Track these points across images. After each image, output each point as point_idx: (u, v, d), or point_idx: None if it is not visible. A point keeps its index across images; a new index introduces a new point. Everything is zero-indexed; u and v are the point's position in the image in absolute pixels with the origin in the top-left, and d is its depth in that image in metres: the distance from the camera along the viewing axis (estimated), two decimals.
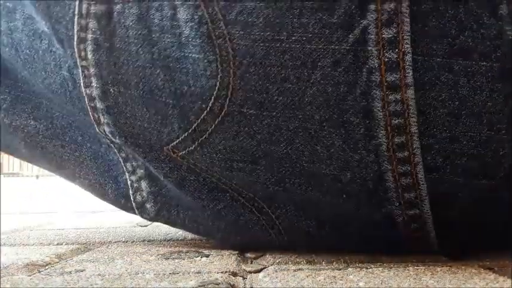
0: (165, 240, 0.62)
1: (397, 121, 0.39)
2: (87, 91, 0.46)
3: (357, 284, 0.34)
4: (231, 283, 0.36)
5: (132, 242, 0.61)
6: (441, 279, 0.35)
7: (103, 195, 0.57)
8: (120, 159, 0.52)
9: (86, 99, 0.47)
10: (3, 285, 0.36)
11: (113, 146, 0.51)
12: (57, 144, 0.55)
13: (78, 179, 0.58)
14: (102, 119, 0.47)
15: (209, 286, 0.34)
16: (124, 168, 0.52)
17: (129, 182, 0.53)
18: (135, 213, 0.54)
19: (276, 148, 0.42)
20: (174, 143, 0.45)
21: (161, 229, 0.74)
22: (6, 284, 0.36)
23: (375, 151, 0.40)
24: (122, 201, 0.55)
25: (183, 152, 0.45)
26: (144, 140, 0.46)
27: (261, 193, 0.46)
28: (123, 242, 0.61)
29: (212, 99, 0.41)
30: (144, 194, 0.52)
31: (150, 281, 0.36)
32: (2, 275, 0.40)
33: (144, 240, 0.62)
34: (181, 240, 0.61)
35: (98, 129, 0.48)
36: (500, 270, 0.38)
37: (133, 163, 0.51)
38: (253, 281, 0.37)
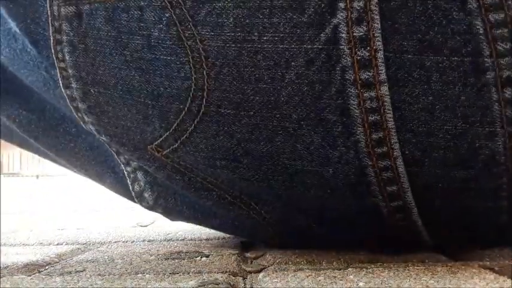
0: (165, 240, 0.62)
1: (373, 118, 0.39)
2: (68, 92, 0.46)
3: (357, 284, 0.34)
4: (231, 283, 0.36)
5: (132, 242, 0.61)
6: (441, 279, 0.35)
7: (102, 183, 0.57)
8: (113, 152, 0.52)
9: (68, 100, 0.47)
10: (3, 285, 0.36)
11: (102, 141, 0.51)
12: (51, 135, 0.55)
13: (75, 168, 0.57)
14: (86, 118, 0.47)
15: (209, 286, 0.34)
16: (118, 160, 0.52)
17: (125, 173, 0.53)
18: (135, 202, 0.54)
19: (257, 147, 0.42)
20: (158, 141, 0.45)
21: (161, 229, 0.74)
22: (6, 284, 0.36)
23: (354, 147, 0.40)
24: (122, 190, 0.55)
25: (167, 151, 0.45)
26: (129, 139, 0.46)
27: (246, 190, 0.46)
28: (123, 242, 0.61)
29: (189, 100, 0.41)
30: (142, 184, 0.52)
31: (150, 281, 0.36)
32: (2, 275, 0.40)
33: (144, 240, 0.62)
34: (181, 240, 0.61)
35: (85, 127, 0.48)
36: (500, 270, 0.38)
37: (126, 156, 0.51)
38: (253, 281, 0.37)
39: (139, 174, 0.52)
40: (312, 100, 0.39)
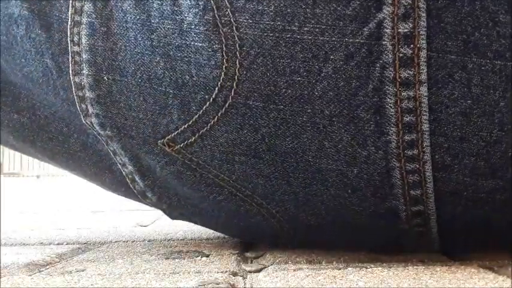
0: (165, 240, 0.62)
1: (408, 118, 0.38)
2: (76, 79, 0.45)
3: (357, 284, 0.34)
4: (231, 283, 0.36)
5: (133, 241, 0.61)
6: (441, 278, 0.35)
7: (102, 185, 0.56)
8: (110, 151, 0.50)
9: (74, 88, 0.45)
10: (4, 285, 0.36)
11: (100, 137, 0.49)
12: (44, 137, 0.54)
13: (73, 170, 0.56)
14: (90, 110, 0.45)
15: (209, 286, 0.34)
16: (115, 159, 0.51)
17: (124, 173, 0.51)
18: (138, 200, 0.53)
19: (282, 142, 0.41)
20: (172, 135, 0.43)
21: (161, 229, 0.74)
22: (6, 284, 0.36)
23: (384, 148, 0.39)
24: (123, 189, 0.53)
25: (181, 145, 0.43)
26: (138, 132, 0.45)
27: (261, 188, 0.45)
28: (124, 241, 0.61)
29: (216, 90, 0.40)
30: (141, 186, 0.51)
31: (150, 280, 0.37)
32: (2, 275, 0.40)
33: (144, 240, 0.62)
34: (181, 240, 0.61)
35: (84, 120, 0.47)
36: (499, 270, 0.38)
37: (122, 158, 0.50)
38: (253, 280, 0.37)
39: (137, 177, 0.51)
40: (346, 96, 0.38)
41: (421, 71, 0.37)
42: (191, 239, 0.61)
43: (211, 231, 0.67)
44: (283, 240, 0.50)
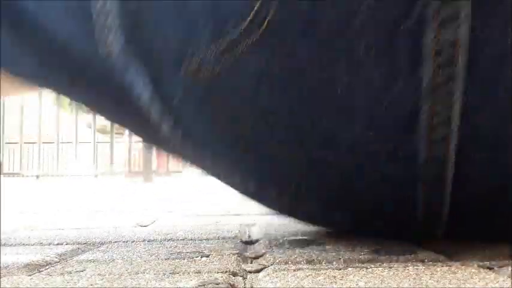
0: (165, 240, 0.62)
1: (445, 57, 0.38)
2: (99, 5, 0.43)
3: (357, 284, 0.34)
4: (231, 283, 0.36)
5: (133, 242, 0.61)
6: (441, 279, 0.35)
7: (119, 122, 0.55)
8: (125, 83, 0.47)
9: (95, 15, 0.43)
10: (3, 285, 0.36)
11: (117, 67, 0.46)
12: (62, 62, 0.50)
13: (90, 104, 0.54)
14: (111, 36, 0.44)
15: (209, 286, 0.34)
16: (130, 93, 0.47)
17: (140, 105, 0.48)
18: (153, 140, 0.53)
19: (313, 74, 0.40)
20: (199, 61, 0.42)
21: (161, 229, 0.74)
22: (6, 284, 0.36)
23: (416, 85, 0.39)
24: (138, 124, 0.52)
25: (206, 73, 0.42)
26: (162, 57, 0.43)
27: (280, 124, 0.43)
28: (124, 242, 0.61)
29: (251, 16, 0.39)
30: (157, 114, 0.48)
31: (150, 280, 0.36)
32: (2, 275, 0.40)
33: (144, 240, 0.62)
34: (181, 240, 0.61)
35: (105, 50, 0.45)
36: (500, 270, 0.38)
37: (139, 89, 0.47)
38: (253, 281, 0.37)
39: (155, 105, 0.47)
40: (385, 30, 0.38)
41: (463, 8, 0.36)
42: (191, 239, 0.61)
43: (212, 231, 0.67)
44: (285, 201, 0.49)
